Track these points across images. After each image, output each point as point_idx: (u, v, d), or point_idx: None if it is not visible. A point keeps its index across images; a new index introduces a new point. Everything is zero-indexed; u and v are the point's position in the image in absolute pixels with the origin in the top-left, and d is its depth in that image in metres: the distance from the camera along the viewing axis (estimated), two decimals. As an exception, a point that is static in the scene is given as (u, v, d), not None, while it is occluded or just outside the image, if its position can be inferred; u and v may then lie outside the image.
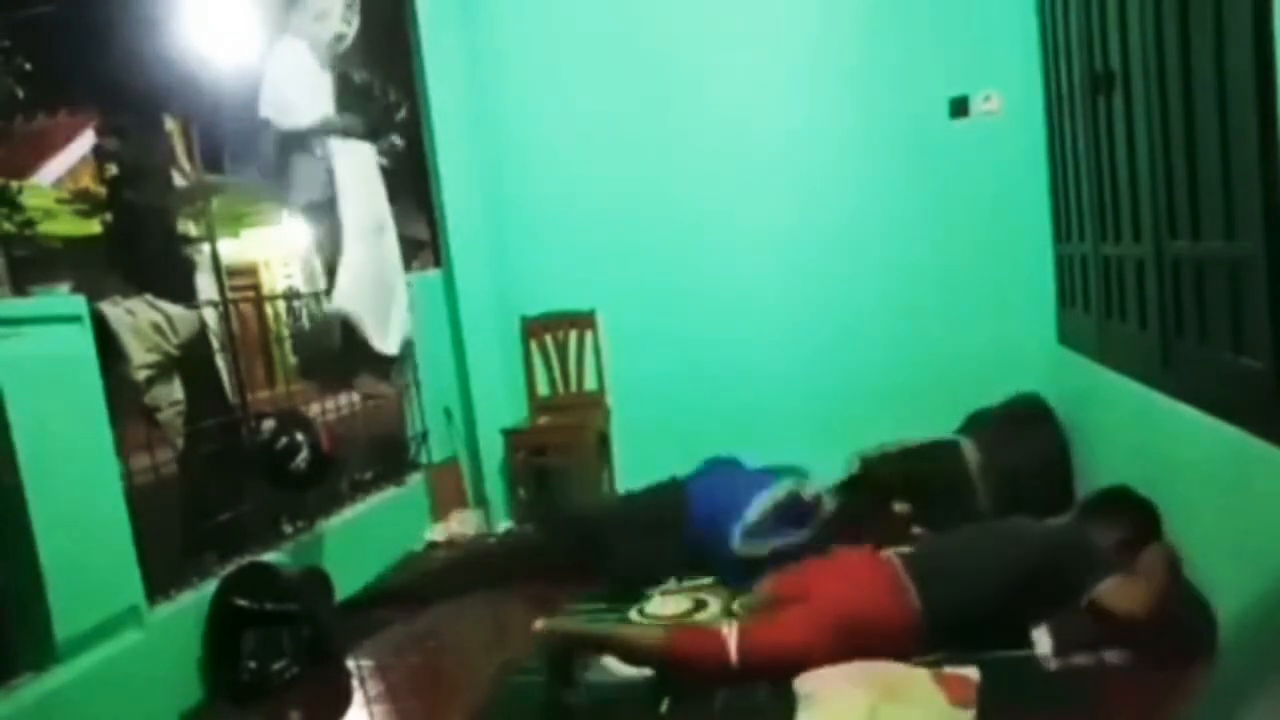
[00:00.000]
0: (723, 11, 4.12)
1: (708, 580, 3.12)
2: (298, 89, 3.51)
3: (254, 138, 3.61)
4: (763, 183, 4.13)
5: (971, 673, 2.12)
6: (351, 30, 3.68)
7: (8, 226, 7.14)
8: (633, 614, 3.00)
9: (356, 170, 3.67)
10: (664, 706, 2.33)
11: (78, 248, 8.02)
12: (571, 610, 3.03)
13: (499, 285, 4.36)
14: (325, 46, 3.60)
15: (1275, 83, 1.76)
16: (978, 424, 3.68)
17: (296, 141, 3.54)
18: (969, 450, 3.51)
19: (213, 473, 3.38)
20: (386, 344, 3.78)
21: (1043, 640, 2.31)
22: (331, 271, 3.71)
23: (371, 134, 3.86)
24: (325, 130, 3.55)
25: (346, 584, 3.37)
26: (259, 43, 3.60)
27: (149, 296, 2.94)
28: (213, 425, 3.27)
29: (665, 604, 3.04)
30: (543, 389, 4.41)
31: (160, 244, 3.96)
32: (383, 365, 3.90)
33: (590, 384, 4.35)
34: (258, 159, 3.74)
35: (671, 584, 3.14)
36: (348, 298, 3.59)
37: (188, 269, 4.15)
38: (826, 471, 3.53)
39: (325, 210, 3.63)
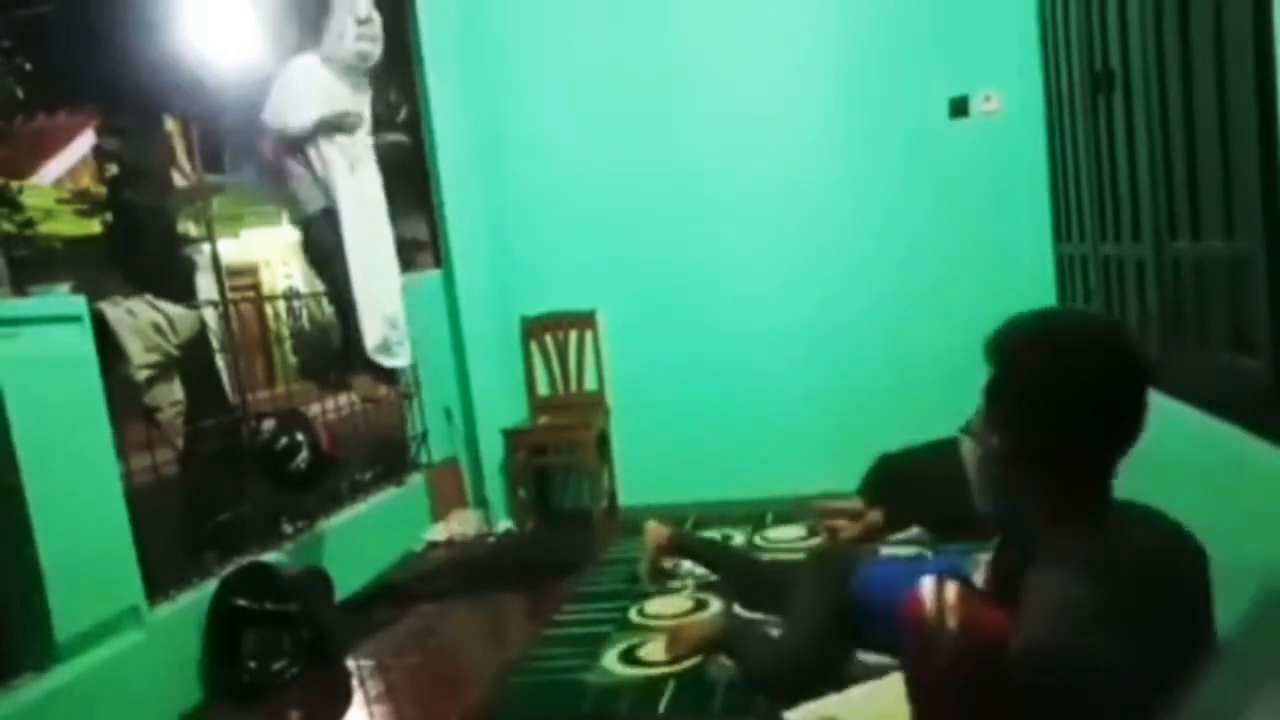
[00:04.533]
0: (724, 12, 4.12)
1: (715, 577, 3.12)
2: (301, 93, 3.46)
3: (254, 138, 3.60)
4: (762, 182, 4.13)
5: None
6: (376, 48, 3.62)
7: (8, 226, 7.14)
8: (632, 613, 3.00)
9: (354, 179, 3.61)
10: (662, 707, 2.34)
11: (78, 248, 8.02)
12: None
13: (499, 285, 4.36)
14: (347, 65, 3.56)
15: (1275, 82, 1.76)
16: (977, 423, 3.68)
17: (296, 148, 3.50)
18: (967, 448, 3.50)
19: (213, 473, 3.38)
20: (379, 351, 3.69)
21: None
22: (330, 275, 3.68)
23: (373, 125, 3.79)
24: (323, 129, 3.51)
25: (346, 584, 3.37)
26: (260, 43, 3.60)
27: (149, 296, 2.93)
28: (213, 425, 3.27)
29: (665, 604, 3.04)
30: (543, 389, 4.41)
31: (160, 244, 3.95)
32: (382, 367, 3.89)
33: (590, 384, 4.35)
34: (258, 163, 3.71)
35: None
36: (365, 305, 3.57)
37: (188, 269, 4.14)
38: (830, 472, 3.54)
39: (324, 223, 3.58)
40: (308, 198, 3.53)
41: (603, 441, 4.30)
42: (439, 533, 4.17)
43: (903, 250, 4.02)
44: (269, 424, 3.30)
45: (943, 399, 3.78)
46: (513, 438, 4.16)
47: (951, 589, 1.19)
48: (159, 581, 2.71)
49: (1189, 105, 2.20)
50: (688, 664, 2.54)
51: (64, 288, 6.19)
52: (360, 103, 3.67)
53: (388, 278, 3.76)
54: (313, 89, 3.48)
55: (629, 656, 2.68)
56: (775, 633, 2.50)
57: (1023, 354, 1.32)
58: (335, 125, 3.50)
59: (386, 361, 3.72)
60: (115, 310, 2.75)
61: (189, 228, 4.50)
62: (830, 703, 2.05)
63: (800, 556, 3.03)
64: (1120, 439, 1.28)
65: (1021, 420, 1.30)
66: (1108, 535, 1.26)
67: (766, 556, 3.36)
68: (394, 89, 4.89)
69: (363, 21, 3.55)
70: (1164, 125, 2.38)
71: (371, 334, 3.60)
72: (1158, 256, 2.52)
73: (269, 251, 12.91)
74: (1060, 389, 1.25)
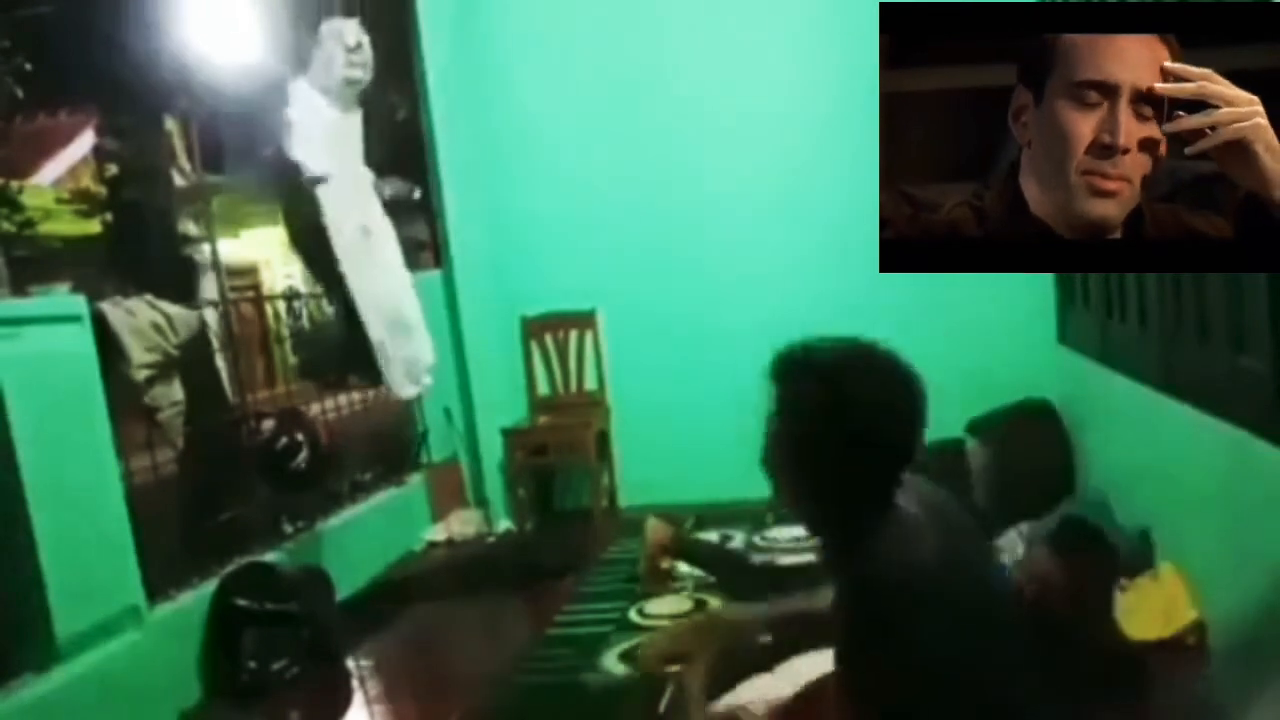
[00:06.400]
0: (724, 11, 4.12)
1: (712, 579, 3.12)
2: (305, 130, 3.41)
3: (254, 138, 3.59)
4: (764, 183, 4.12)
5: None
6: (365, 74, 3.55)
7: (8, 226, 7.14)
8: (632, 613, 3.00)
9: (355, 208, 3.58)
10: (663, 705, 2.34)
11: (78, 248, 8.01)
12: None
13: (499, 285, 4.36)
14: (337, 92, 3.52)
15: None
16: (986, 425, 3.68)
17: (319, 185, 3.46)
18: (974, 452, 3.50)
19: (213, 473, 3.38)
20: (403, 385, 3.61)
21: None
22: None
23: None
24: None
25: (346, 584, 3.37)
26: (259, 43, 3.60)
27: (149, 296, 2.94)
28: (213, 425, 3.27)
29: (665, 604, 3.04)
30: (543, 389, 4.41)
31: (160, 244, 3.96)
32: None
33: (590, 384, 4.35)
34: (259, 162, 3.69)
35: None
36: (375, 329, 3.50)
37: (188, 269, 4.15)
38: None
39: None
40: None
41: (603, 441, 4.30)
42: (439, 533, 4.16)
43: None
44: (269, 424, 3.31)
45: (946, 400, 3.79)
46: (512, 437, 4.16)
47: None
48: (159, 581, 2.71)
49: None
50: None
51: (64, 288, 6.19)
52: (353, 125, 3.60)
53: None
54: (313, 123, 3.43)
55: (629, 657, 2.68)
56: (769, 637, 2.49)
57: (809, 381, 1.34)
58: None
59: (411, 391, 3.68)
60: (115, 310, 2.75)
61: (189, 228, 4.51)
62: (756, 684, 2.00)
63: (801, 557, 3.03)
64: (902, 460, 1.35)
65: (806, 449, 1.32)
66: (890, 545, 1.28)
67: (766, 557, 3.36)
68: (393, 90, 4.89)
69: (351, 49, 3.48)
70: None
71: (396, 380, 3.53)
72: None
73: (269, 251, 12.90)
74: (842, 420, 1.29)
